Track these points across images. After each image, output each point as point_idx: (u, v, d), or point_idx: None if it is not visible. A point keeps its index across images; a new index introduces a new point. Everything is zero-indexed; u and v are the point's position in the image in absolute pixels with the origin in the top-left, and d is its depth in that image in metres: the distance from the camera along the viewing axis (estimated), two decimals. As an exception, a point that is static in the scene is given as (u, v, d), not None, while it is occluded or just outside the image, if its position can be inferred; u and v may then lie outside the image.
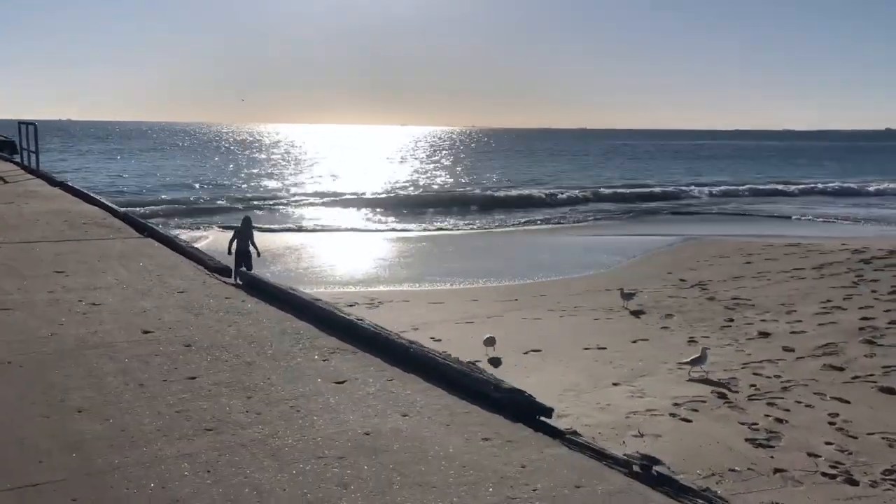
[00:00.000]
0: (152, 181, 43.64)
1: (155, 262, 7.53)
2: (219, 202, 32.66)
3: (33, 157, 17.50)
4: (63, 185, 13.77)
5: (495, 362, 8.98)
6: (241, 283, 6.99)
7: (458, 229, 26.59)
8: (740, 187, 43.01)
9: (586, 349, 9.51)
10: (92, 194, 12.20)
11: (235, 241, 13.87)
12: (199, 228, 24.28)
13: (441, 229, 26.39)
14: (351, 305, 12.57)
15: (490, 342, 9.49)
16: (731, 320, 10.98)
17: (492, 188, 42.03)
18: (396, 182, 47.48)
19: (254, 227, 14.21)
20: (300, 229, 25.85)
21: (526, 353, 9.39)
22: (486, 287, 14.53)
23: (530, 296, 13.35)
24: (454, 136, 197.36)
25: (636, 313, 11.54)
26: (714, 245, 20.03)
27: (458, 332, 10.57)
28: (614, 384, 8.04)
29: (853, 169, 66.59)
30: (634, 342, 9.87)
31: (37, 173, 16.28)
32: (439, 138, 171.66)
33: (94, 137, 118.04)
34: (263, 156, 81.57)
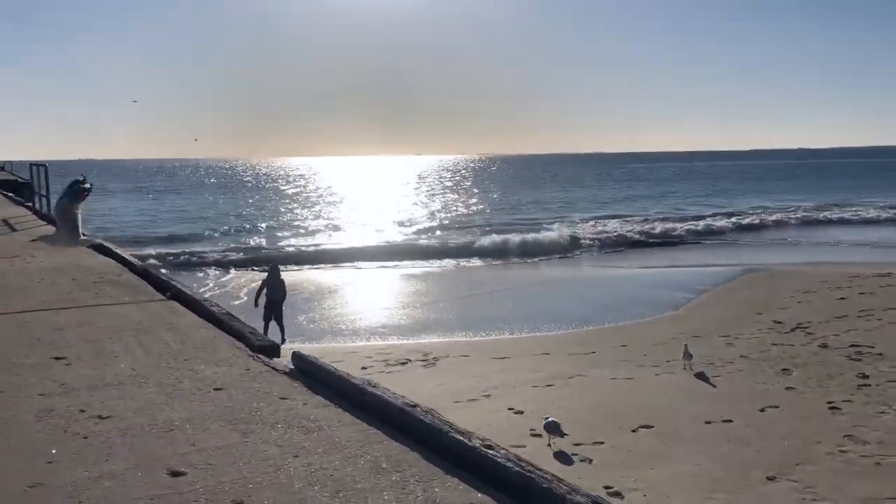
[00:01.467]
0: (188, 222, 42.15)
1: (181, 338, 5.90)
2: (262, 244, 31.00)
3: (45, 200, 16.15)
4: (75, 233, 12.29)
5: (565, 458, 6.81)
6: (291, 367, 5.37)
7: (501, 261, 25.10)
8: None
9: (708, 423, 7.73)
10: (105, 244, 10.71)
11: (264, 289, 12.62)
12: (231, 271, 22.79)
13: (477, 262, 24.84)
14: (403, 363, 10.94)
15: (554, 429, 7.24)
16: (866, 376, 9.16)
17: (529, 221, 40.40)
18: (434, 213, 46.14)
19: (282, 270, 13.17)
20: (333, 265, 24.45)
21: (635, 430, 7.61)
22: (553, 336, 12.80)
23: (608, 346, 11.61)
24: (475, 165, 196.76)
25: (701, 376, 9.59)
26: (790, 277, 18.17)
27: (539, 399, 8.84)
28: (769, 478, 6.25)
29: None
30: (763, 410, 8.07)
31: (48, 219, 14.89)
32: (462, 167, 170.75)
33: (120, 177, 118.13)
34: (298, 191, 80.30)
